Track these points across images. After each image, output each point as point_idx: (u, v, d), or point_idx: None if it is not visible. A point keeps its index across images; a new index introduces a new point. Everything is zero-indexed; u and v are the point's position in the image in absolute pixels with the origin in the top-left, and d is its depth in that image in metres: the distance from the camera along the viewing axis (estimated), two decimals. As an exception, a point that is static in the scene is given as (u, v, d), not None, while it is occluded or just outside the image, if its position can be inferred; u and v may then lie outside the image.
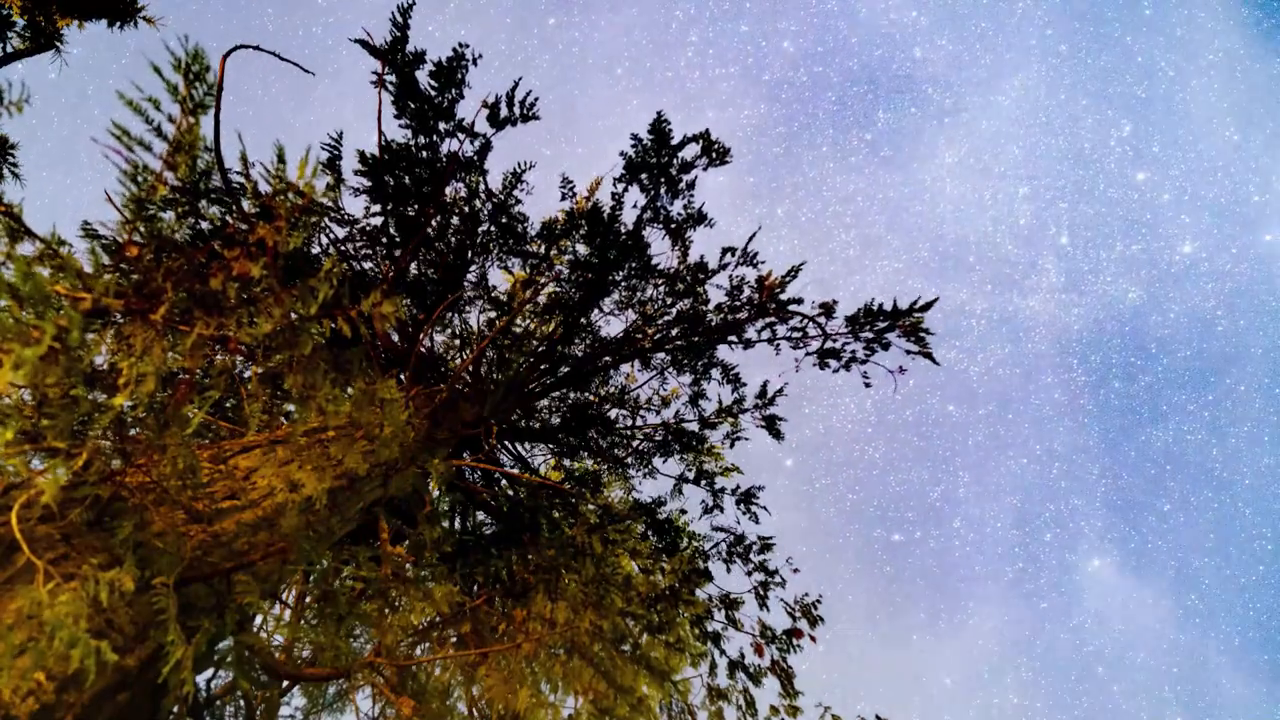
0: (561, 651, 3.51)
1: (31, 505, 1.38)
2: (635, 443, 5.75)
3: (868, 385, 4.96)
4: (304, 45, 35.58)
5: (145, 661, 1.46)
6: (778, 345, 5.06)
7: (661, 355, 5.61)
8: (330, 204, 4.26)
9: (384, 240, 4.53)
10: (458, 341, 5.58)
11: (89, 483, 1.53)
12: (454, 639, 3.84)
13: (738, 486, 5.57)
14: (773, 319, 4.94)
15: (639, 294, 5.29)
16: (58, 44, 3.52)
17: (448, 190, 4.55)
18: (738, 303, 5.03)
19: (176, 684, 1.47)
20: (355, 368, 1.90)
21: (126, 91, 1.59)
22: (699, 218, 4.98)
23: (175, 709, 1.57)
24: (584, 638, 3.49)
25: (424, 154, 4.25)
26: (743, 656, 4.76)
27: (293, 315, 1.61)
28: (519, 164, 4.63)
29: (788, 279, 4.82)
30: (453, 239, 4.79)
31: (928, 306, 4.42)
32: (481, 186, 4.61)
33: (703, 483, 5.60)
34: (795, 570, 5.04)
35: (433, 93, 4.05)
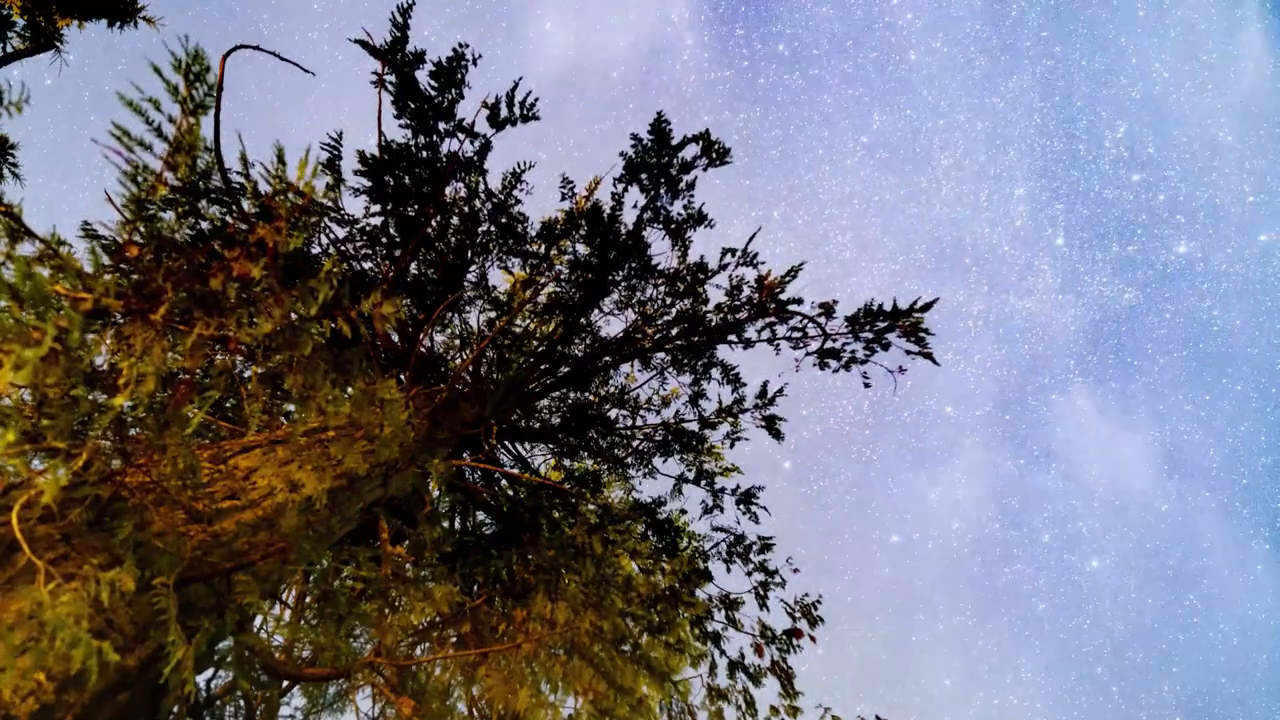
0: (561, 652, 3.51)
1: (32, 505, 1.38)
2: (635, 443, 5.75)
3: (867, 385, 4.95)
4: (302, 47, 35.59)
5: (145, 661, 1.46)
6: (778, 345, 5.06)
7: (661, 355, 5.61)
8: (330, 204, 4.26)
9: (384, 240, 4.53)
10: (458, 341, 5.58)
11: (89, 483, 1.53)
12: (454, 639, 3.84)
13: (738, 486, 5.57)
14: (773, 319, 4.93)
15: (639, 294, 5.29)
16: (58, 44, 3.52)
17: (448, 190, 4.55)
18: (738, 303, 5.03)
19: (177, 684, 1.47)
20: (355, 368, 1.89)
21: (126, 93, 1.59)
22: (699, 218, 4.98)
23: (175, 709, 1.57)
24: (584, 638, 3.49)
25: (424, 154, 4.25)
26: (743, 657, 4.75)
27: (293, 315, 1.61)
28: (519, 164, 4.63)
29: (787, 279, 4.82)
30: (453, 239, 4.79)
31: (928, 307, 4.42)
32: (481, 186, 4.61)
33: (703, 483, 5.59)
34: (795, 570, 5.03)
35: (433, 93, 4.05)
